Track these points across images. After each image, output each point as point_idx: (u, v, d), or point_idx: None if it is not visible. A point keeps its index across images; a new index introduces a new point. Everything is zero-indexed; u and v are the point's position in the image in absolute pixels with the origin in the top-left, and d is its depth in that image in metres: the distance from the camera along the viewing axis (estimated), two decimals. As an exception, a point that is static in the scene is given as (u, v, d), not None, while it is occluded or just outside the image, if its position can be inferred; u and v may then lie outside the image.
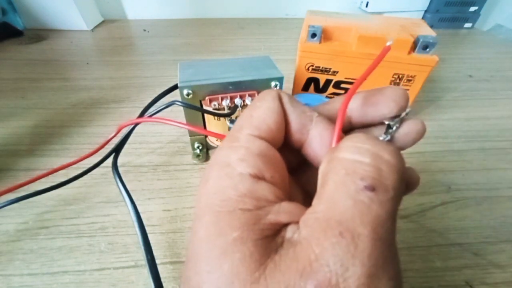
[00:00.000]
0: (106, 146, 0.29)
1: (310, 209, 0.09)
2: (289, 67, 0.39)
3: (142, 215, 0.20)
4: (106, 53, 0.58)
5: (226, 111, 0.27)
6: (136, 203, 0.21)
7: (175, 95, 0.27)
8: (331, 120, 0.12)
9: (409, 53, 0.32)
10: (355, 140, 0.09)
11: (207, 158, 0.32)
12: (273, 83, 0.28)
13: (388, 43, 0.12)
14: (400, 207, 0.09)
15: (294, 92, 0.37)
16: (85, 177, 0.26)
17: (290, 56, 0.41)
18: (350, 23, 0.33)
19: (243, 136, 0.10)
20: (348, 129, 0.13)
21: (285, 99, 0.12)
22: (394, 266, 0.08)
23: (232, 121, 0.23)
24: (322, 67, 0.34)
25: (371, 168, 0.08)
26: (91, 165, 0.27)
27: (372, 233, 0.08)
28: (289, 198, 0.10)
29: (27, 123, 0.37)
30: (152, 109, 0.28)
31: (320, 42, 0.33)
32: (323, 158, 0.10)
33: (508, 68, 0.57)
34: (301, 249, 0.08)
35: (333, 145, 0.10)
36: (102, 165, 0.27)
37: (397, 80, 0.34)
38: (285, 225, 0.09)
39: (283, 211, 0.09)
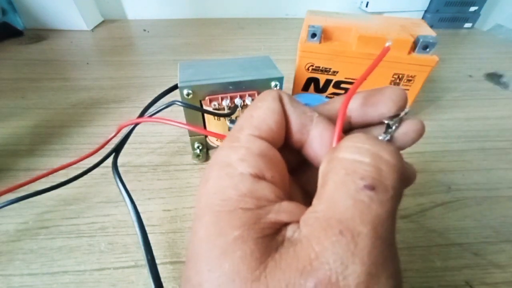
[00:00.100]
0: (106, 146, 0.29)
1: (310, 209, 0.09)
2: (289, 67, 0.39)
3: (142, 215, 0.20)
4: (106, 53, 0.58)
5: (226, 111, 0.27)
6: (136, 203, 0.21)
7: (175, 95, 0.27)
8: (331, 120, 0.12)
9: (409, 53, 0.32)
10: (355, 140, 0.09)
11: (207, 158, 0.32)
12: (273, 83, 0.28)
13: (387, 44, 0.12)
14: (400, 207, 0.09)
15: (294, 92, 0.37)
16: (85, 177, 0.26)
17: (290, 56, 0.41)
18: (350, 23, 0.33)
19: (243, 136, 0.10)
20: (348, 129, 0.13)
21: (286, 100, 0.12)
22: (394, 264, 0.08)
23: (232, 121, 0.23)
24: (322, 67, 0.34)
25: (371, 167, 0.08)
26: (91, 165, 0.27)
27: (372, 231, 0.08)
28: (289, 198, 0.10)
29: (27, 123, 0.37)
30: (152, 109, 0.28)
31: (320, 42, 0.32)
32: (323, 158, 0.10)
33: (508, 68, 0.57)
34: (302, 248, 0.08)
35: (334, 145, 0.10)
36: (102, 165, 0.27)
37: (397, 80, 0.34)
38: (286, 224, 0.09)
39: (283, 210, 0.09)
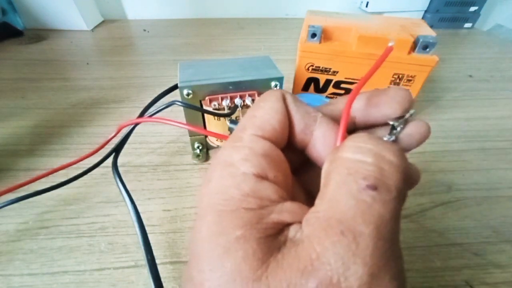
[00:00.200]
0: (106, 146, 0.29)
1: (313, 209, 0.09)
2: (289, 67, 0.39)
3: (142, 215, 0.20)
4: (106, 53, 0.58)
5: (226, 111, 0.27)
6: (136, 203, 0.21)
7: (175, 95, 0.27)
8: (335, 121, 0.12)
9: (409, 53, 0.32)
10: (357, 140, 0.09)
11: (207, 158, 0.32)
12: (273, 83, 0.28)
13: (390, 44, 0.12)
14: (400, 207, 0.09)
15: (294, 92, 0.37)
16: (85, 177, 0.26)
17: (290, 56, 0.41)
18: (350, 23, 0.33)
19: (246, 136, 0.10)
20: (352, 129, 0.13)
21: (289, 100, 0.12)
22: (398, 265, 0.08)
23: (232, 121, 0.23)
24: (322, 67, 0.34)
25: (373, 167, 0.08)
26: (91, 165, 0.27)
27: (374, 232, 0.08)
28: (292, 198, 0.10)
29: (27, 123, 0.37)
30: (152, 109, 0.28)
31: (320, 42, 0.33)
32: (326, 158, 0.10)
33: (508, 68, 0.57)
34: (303, 248, 0.08)
35: (337, 145, 0.10)
36: (102, 165, 0.27)
37: (397, 80, 0.34)
38: (288, 224, 0.09)
39: (286, 210, 0.09)
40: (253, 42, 0.66)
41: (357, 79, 0.35)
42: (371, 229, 0.08)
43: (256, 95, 0.28)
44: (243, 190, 0.09)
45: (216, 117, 0.28)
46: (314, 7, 0.40)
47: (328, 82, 0.36)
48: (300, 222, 0.09)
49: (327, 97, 0.38)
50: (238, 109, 0.27)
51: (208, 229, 0.09)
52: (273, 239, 0.09)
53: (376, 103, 0.12)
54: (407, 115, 0.11)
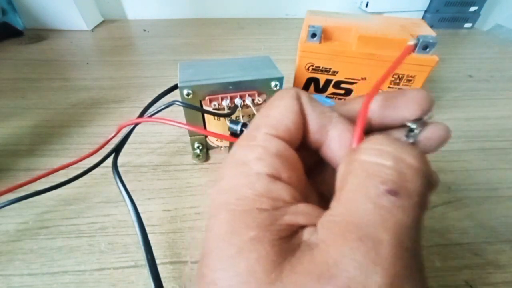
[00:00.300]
0: (106, 146, 0.29)
1: (328, 212, 0.09)
2: (289, 67, 0.39)
3: (142, 215, 0.20)
4: (106, 53, 0.58)
5: (226, 111, 0.27)
6: (136, 203, 0.21)
7: (175, 95, 0.27)
8: (350, 121, 0.11)
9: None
10: (376, 142, 0.09)
11: (207, 158, 0.32)
12: (273, 83, 0.28)
13: (410, 43, 0.12)
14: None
15: (294, 92, 0.37)
16: (85, 177, 0.26)
17: (290, 56, 0.41)
18: (350, 23, 0.33)
19: (260, 135, 0.10)
20: (367, 131, 0.12)
21: (304, 99, 0.11)
22: (420, 276, 0.08)
23: (232, 121, 0.23)
24: (322, 67, 0.34)
25: (393, 171, 0.08)
26: (91, 165, 0.27)
27: (394, 240, 0.07)
28: (304, 199, 0.10)
29: (27, 123, 0.37)
30: (152, 109, 0.28)
31: (320, 42, 0.33)
32: (342, 160, 0.10)
33: (508, 68, 0.57)
34: (319, 252, 0.08)
35: (354, 146, 0.10)
36: (102, 165, 0.27)
37: (397, 80, 0.34)
38: (302, 227, 0.09)
39: (300, 212, 0.09)
40: (253, 42, 0.66)
41: (357, 79, 0.35)
42: (391, 237, 0.07)
43: (256, 95, 0.28)
44: (256, 190, 0.09)
45: (216, 117, 0.28)
46: (314, 7, 0.40)
47: (328, 82, 0.36)
48: (314, 225, 0.09)
49: (327, 97, 0.38)
50: (238, 109, 0.27)
51: (221, 228, 0.09)
52: (287, 242, 0.08)
53: (394, 104, 0.11)
54: (426, 117, 0.11)
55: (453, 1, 0.74)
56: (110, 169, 0.24)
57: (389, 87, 0.34)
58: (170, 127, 0.35)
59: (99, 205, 0.27)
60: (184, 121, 0.28)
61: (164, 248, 0.23)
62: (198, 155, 0.32)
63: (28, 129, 0.36)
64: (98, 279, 0.21)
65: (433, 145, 0.11)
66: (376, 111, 0.12)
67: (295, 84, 0.37)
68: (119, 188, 0.22)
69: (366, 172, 0.08)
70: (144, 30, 0.71)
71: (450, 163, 0.33)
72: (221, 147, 0.32)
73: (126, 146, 0.28)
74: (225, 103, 0.27)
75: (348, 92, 0.36)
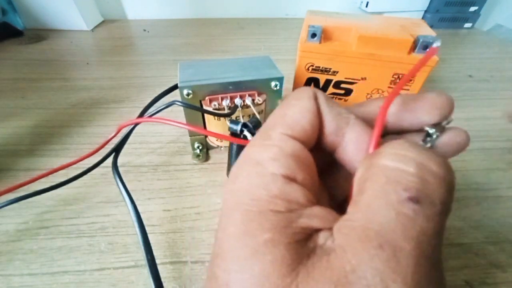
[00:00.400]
0: (106, 146, 0.29)
1: (346, 216, 0.08)
2: (289, 67, 0.39)
3: (142, 215, 0.20)
4: (106, 53, 0.58)
5: (226, 111, 0.27)
6: (136, 203, 0.21)
7: (175, 95, 0.27)
8: (367, 123, 0.11)
9: (409, 53, 0.32)
10: (397, 147, 0.09)
11: (207, 158, 0.32)
12: (273, 83, 0.28)
13: (435, 45, 0.12)
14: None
15: (294, 92, 0.37)
16: (85, 177, 0.26)
17: (290, 56, 0.41)
18: (350, 23, 0.33)
19: (276, 135, 0.10)
20: (382, 134, 0.12)
21: (321, 99, 0.11)
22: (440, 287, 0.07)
23: (232, 121, 0.23)
24: (322, 67, 0.34)
25: (415, 178, 0.08)
26: (91, 165, 0.27)
27: (416, 249, 0.07)
28: (317, 201, 0.10)
29: (27, 123, 0.37)
30: (152, 109, 0.28)
31: (320, 42, 0.32)
32: (359, 163, 0.10)
33: (508, 68, 0.57)
34: (336, 258, 0.07)
35: (370, 150, 0.10)
36: (102, 165, 0.27)
37: (397, 80, 0.34)
38: (317, 230, 0.09)
39: (314, 215, 0.09)
40: (253, 42, 0.66)
41: (357, 79, 0.35)
42: (413, 246, 0.07)
43: (256, 95, 0.28)
44: (271, 191, 0.09)
45: (216, 117, 0.28)
46: (314, 7, 0.40)
47: (328, 82, 0.36)
48: (329, 229, 0.09)
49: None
50: (238, 109, 0.27)
51: (235, 229, 0.09)
52: (302, 245, 0.08)
53: (413, 108, 0.11)
54: (445, 122, 0.11)
55: (453, 1, 0.74)
56: (110, 169, 0.24)
57: (389, 87, 0.34)
58: (170, 127, 0.35)
59: (99, 205, 0.27)
60: (184, 121, 0.28)
61: (164, 248, 0.23)
62: (198, 155, 0.32)
63: (28, 129, 0.36)
64: (98, 279, 0.21)
65: (450, 151, 0.11)
66: (394, 113, 0.11)
67: (295, 84, 0.37)
68: (119, 188, 0.22)
69: (386, 177, 0.08)
70: (144, 30, 0.70)
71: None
72: (221, 147, 0.32)
73: (126, 146, 0.28)
74: (225, 103, 0.27)
75: (348, 92, 0.36)
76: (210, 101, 0.27)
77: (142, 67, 0.53)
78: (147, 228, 0.20)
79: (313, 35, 0.32)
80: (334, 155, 0.12)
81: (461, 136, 0.11)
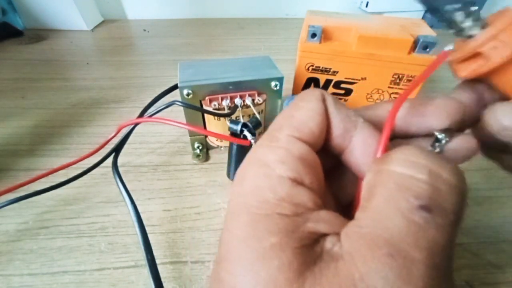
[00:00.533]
0: (106, 146, 0.29)
1: (354, 222, 0.08)
2: (289, 67, 0.39)
3: (142, 215, 0.20)
4: (106, 53, 0.58)
5: (226, 111, 0.27)
6: (136, 203, 0.21)
7: (175, 95, 0.27)
8: (375, 127, 0.11)
9: (409, 53, 0.32)
10: (408, 153, 0.08)
11: (207, 158, 0.32)
12: (273, 83, 0.28)
13: (446, 48, 0.12)
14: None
15: (294, 92, 0.37)
16: (85, 177, 0.26)
17: (290, 56, 0.41)
18: (350, 23, 0.33)
19: (283, 137, 0.10)
20: (390, 138, 0.12)
21: (330, 101, 0.11)
22: None
23: (232, 121, 0.23)
24: (322, 67, 0.34)
25: (427, 186, 0.08)
26: (91, 165, 0.27)
27: (427, 259, 0.07)
28: (323, 205, 0.10)
29: (27, 123, 0.37)
30: (152, 109, 0.28)
31: (320, 42, 0.32)
32: (367, 168, 0.09)
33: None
34: (344, 265, 0.07)
35: (378, 154, 0.10)
36: (102, 165, 0.27)
37: (397, 80, 0.34)
38: (324, 235, 0.09)
39: (321, 219, 0.09)
40: (253, 42, 0.66)
41: (357, 79, 0.35)
42: (424, 256, 0.07)
43: (256, 95, 0.28)
44: (278, 194, 0.09)
45: (216, 117, 0.28)
46: (314, 7, 0.40)
47: (328, 82, 0.36)
48: (336, 234, 0.08)
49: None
50: (238, 109, 0.27)
51: (241, 231, 0.08)
52: (309, 250, 0.08)
53: (422, 113, 0.11)
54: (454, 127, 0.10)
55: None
56: (110, 169, 0.24)
57: (389, 87, 0.34)
58: (170, 127, 0.35)
59: (99, 205, 0.27)
60: (184, 121, 0.28)
61: (164, 248, 0.23)
62: (198, 155, 0.32)
63: (28, 129, 0.36)
64: (98, 279, 0.21)
65: (459, 157, 0.11)
66: (402, 118, 0.11)
67: (295, 84, 0.37)
68: (119, 188, 0.22)
69: (397, 184, 0.08)
70: (144, 30, 0.70)
71: (450, 163, 0.33)
72: (221, 147, 0.32)
73: (126, 146, 0.28)
74: (225, 103, 0.27)
75: (348, 92, 0.36)
76: (210, 101, 0.27)
77: (142, 67, 0.53)
78: (147, 228, 0.20)
79: (313, 35, 0.32)
80: (340, 157, 0.11)
81: (470, 142, 0.10)
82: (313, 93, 0.11)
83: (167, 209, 0.27)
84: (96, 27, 0.71)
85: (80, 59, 0.55)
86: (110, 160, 0.26)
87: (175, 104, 0.26)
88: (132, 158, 0.32)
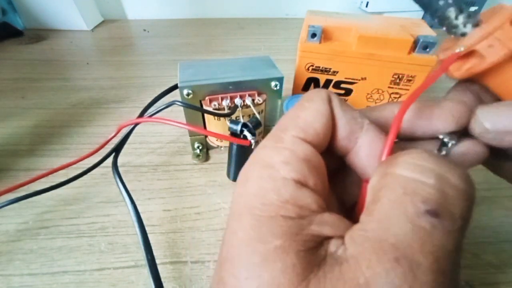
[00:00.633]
0: (106, 146, 0.29)
1: (359, 226, 0.08)
2: (289, 67, 0.39)
3: (142, 215, 0.20)
4: (106, 53, 0.58)
5: (226, 111, 0.27)
6: (136, 203, 0.21)
7: (175, 95, 0.27)
8: (381, 129, 0.11)
9: (409, 53, 0.32)
10: (415, 156, 0.08)
11: (207, 158, 0.32)
12: (273, 83, 0.28)
13: (457, 50, 0.11)
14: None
15: (294, 92, 0.37)
16: (85, 177, 0.26)
17: (290, 56, 0.41)
18: (350, 23, 0.33)
19: (288, 138, 0.10)
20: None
21: (335, 102, 0.11)
22: None
23: (232, 121, 0.23)
24: (322, 67, 0.34)
25: (434, 191, 0.07)
26: (91, 165, 0.27)
27: (434, 265, 0.07)
28: (327, 207, 0.10)
29: (27, 123, 0.37)
30: (152, 109, 0.28)
31: (320, 42, 0.32)
32: (373, 171, 0.09)
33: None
34: (349, 269, 0.07)
35: (384, 157, 0.10)
36: (102, 165, 0.27)
37: (397, 80, 0.34)
38: (327, 238, 0.09)
39: (325, 222, 0.09)
40: (253, 42, 0.66)
41: (357, 79, 0.35)
42: (430, 262, 0.07)
43: (256, 95, 0.28)
44: (282, 196, 0.09)
45: (216, 117, 0.28)
46: (314, 7, 0.40)
47: (328, 82, 0.36)
48: (340, 237, 0.08)
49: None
50: (238, 109, 0.27)
51: (244, 233, 0.08)
52: (313, 253, 0.08)
53: (428, 116, 0.11)
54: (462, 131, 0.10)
55: (453, 1, 0.73)
56: (110, 169, 0.24)
57: (389, 87, 0.35)
58: (170, 127, 0.35)
59: (99, 205, 0.27)
60: (184, 121, 0.28)
61: (164, 248, 0.23)
62: (198, 155, 0.32)
63: (28, 129, 0.36)
64: (98, 279, 0.21)
65: (467, 162, 0.10)
66: (408, 120, 0.11)
67: (295, 84, 0.37)
68: (119, 188, 0.22)
69: (403, 188, 0.08)
70: (144, 30, 0.70)
71: (450, 163, 0.33)
72: (221, 147, 0.32)
73: (126, 146, 0.28)
74: (225, 103, 0.27)
75: (348, 92, 0.36)
76: (210, 101, 0.27)
77: (142, 67, 0.53)
78: (147, 228, 0.20)
79: (313, 35, 0.32)
80: (345, 159, 0.11)
81: (479, 147, 0.10)
82: (319, 93, 0.11)
83: (167, 209, 0.27)
84: (96, 27, 0.71)
85: (80, 59, 0.55)
86: (110, 160, 0.26)
87: (175, 104, 0.26)
88: (132, 158, 0.32)
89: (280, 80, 0.28)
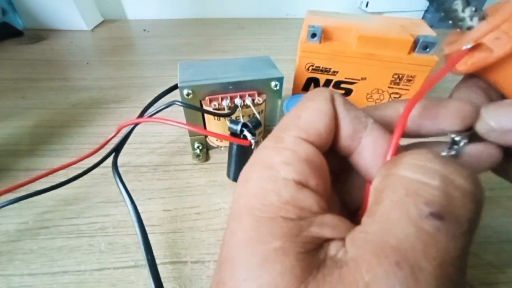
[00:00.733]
0: (106, 146, 0.29)
1: (360, 228, 0.08)
2: (289, 67, 0.39)
3: (142, 215, 0.20)
4: (106, 53, 0.58)
5: (226, 111, 0.27)
6: (136, 203, 0.21)
7: (175, 95, 0.27)
8: (385, 128, 0.11)
9: (409, 53, 0.32)
10: (419, 157, 0.08)
11: (207, 158, 0.32)
12: (273, 83, 0.28)
13: (464, 47, 0.11)
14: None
15: (294, 92, 0.37)
16: (85, 177, 0.26)
17: (290, 56, 0.41)
18: (350, 23, 0.33)
19: (289, 138, 0.10)
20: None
21: (338, 101, 0.10)
22: None
23: (232, 121, 0.23)
24: (322, 67, 0.34)
25: (439, 192, 0.07)
26: (91, 165, 0.27)
27: (437, 270, 0.07)
28: (329, 209, 0.09)
29: (27, 123, 0.37)
30: (152, 109, 0.28)
31: (320, 42, 0.32)
32: (376, 171, 0.09)
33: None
34: (349, 272, 0.07)
35: (388, 157, 0.09)
36: (102, 165, 0.27)
37: (397, 80, 0.34)
38: (328, 240, 0.08)
39: (326, 224, 0.08)
40: (253, 42, 0.66)
41: (357, 79, 0.35)
42: (434, 267, 0.07)
43: (256, 95, 0.28)
44: (282, 197, 0.08)
45: (216, 117, 0.28)
46: (314, 7, 0.40)
47: (328, 82, 0.36)
48: (341, 239, 0.08)
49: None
50: (238, 109, 0.27)
51: (244, 234, 0.08)
52: (312, 255, 0.08)
53: (434, 115, 0.11)
54: (473, 130, 0.10)
55: (453, 1, 0.73)
56: (110, 169, 0.24)
57: (389, 87, 0.35)
58: (170, 127, 0.35)
59: (99, 205, 0.27)
60: (184, 121, 0.28)
61: (164, 248, 0.23)
62: (198, 155, 0.32)
63: (28, 129, 0.36)
64: (98, 279, 0.21)
65: (480, 164, 0.10)
66: (413, 119, 0.11)
67: (295, 84, 0.37)
68: (119, 188, 0.22)
69: (406, 189, 0.08)
70: (144, 30, 0.70)
71: (450, 163, 0.33)
72: (221, 147, 0.32)
73: (126, 146, 0.28)
74: (225, 103, 0.27)
75: (348, 92, 0.36)
76: (210, 101, 0.27)
77: (142, 67, 0.53)
78: (147, 228, 0.20)
79: (313, 35, 0.32)
80: (348, 159, 0.11)
81: (492, 148, 0.10)
82: (321, 92, 0.11)
83: (167, 209, 0.27)
84: (96, 27, 0.71)
85: (80, 59, 0.55)
86: (110, 160, 0.26)
87: (175, 104, 0.26)
88: (132, 158, 0.32)
89: (280, 80, 0.28)
